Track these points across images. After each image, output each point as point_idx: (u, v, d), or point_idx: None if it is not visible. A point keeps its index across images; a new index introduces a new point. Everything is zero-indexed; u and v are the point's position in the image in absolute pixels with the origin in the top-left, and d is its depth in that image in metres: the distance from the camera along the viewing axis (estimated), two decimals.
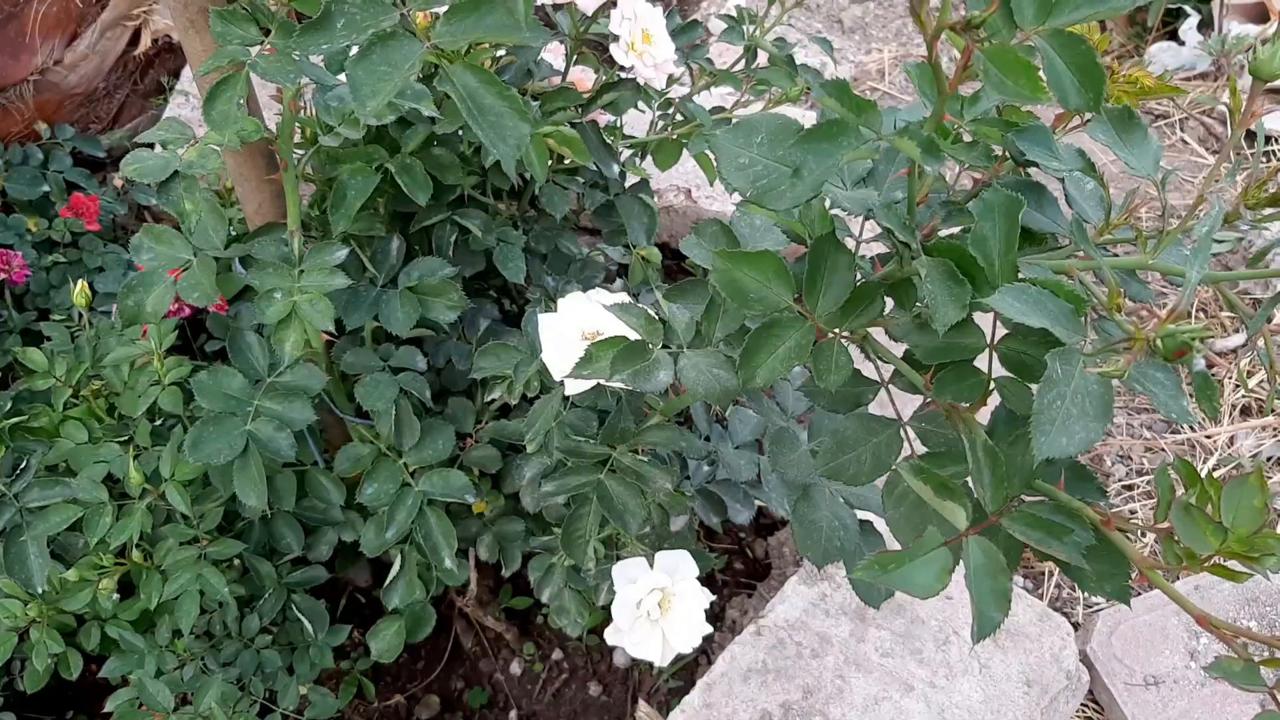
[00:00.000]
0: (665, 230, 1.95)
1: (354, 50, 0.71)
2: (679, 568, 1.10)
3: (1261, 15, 2.95)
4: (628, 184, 1.41)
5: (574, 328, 1.01)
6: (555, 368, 0.99)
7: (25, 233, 1.81)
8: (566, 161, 1.26)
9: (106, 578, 1.23)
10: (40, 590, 1.22)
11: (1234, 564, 0.60)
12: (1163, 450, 1.57)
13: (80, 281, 1.39)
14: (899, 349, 0.82)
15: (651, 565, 1.10)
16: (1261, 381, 1.59)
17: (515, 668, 1.68)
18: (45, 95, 1.92)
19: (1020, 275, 0.69)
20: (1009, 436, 0.73)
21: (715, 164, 0.76)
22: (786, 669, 1.26)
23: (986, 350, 0.73)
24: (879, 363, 0.84)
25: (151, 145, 1.03)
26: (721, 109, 1.44)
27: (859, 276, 0.81)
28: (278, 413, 1.14)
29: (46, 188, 1.88)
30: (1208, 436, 1.58)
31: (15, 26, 1.83)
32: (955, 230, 0.81)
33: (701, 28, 1.45)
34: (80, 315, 1.62)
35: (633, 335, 0.91)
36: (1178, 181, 2.23)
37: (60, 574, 1.24)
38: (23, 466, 1.27)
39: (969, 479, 0.69)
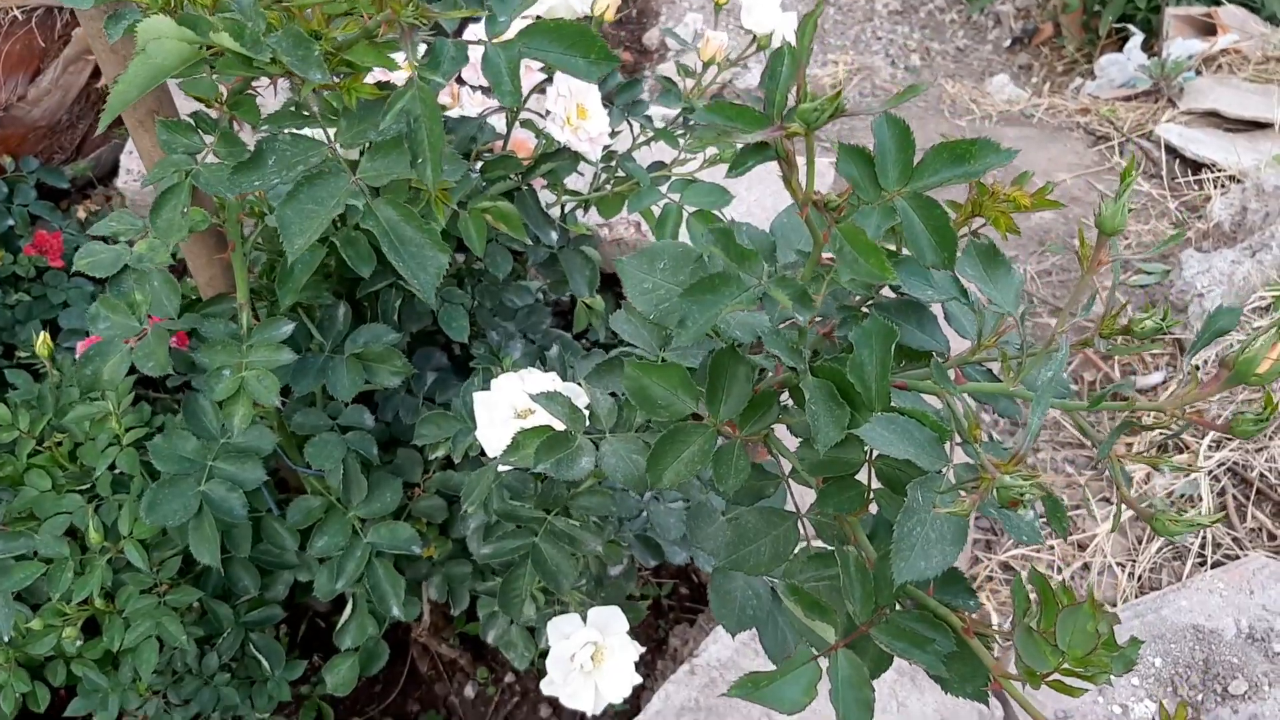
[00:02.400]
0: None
1: (283, 191, 0.77)
2: (611, 623, 1.18)
3: (1209, 28, 3.02)
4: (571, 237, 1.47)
5: (506, 405, 1.07)
6: (489, 444, 1.06)
7: None
8: None
9: (70, 626, 1.30)
10: (7, 638, 1.28)
11: (1072, 680, 0.68)
12: (1081, 485, 1.66)
13: (43, 334, 1.44)
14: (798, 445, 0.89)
15: (585, 621, 1.17)
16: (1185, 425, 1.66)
17: (469, 691, 1.75)
18: (9, 130, 1.96)
19: (893, 402, 0.75)
20: (886, 543, 0.80)
21: (623, 286, 0.82)
22: (717, 708, 1.34)
23: (866, 464, 0.80)
24: (780, 457, 0.91)
25: (105, 238, 1.08)
26: (662, 163, 1.50)
27: (767, 375, 0.88)
28: (230, 473, 1.20)
29: (11, 221, 1.92)
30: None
31: None
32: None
33: (642, 85, 1.51)
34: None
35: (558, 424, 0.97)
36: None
37: (26, 622, 1.30)
38: None
39: None
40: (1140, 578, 1.53)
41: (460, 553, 1.46)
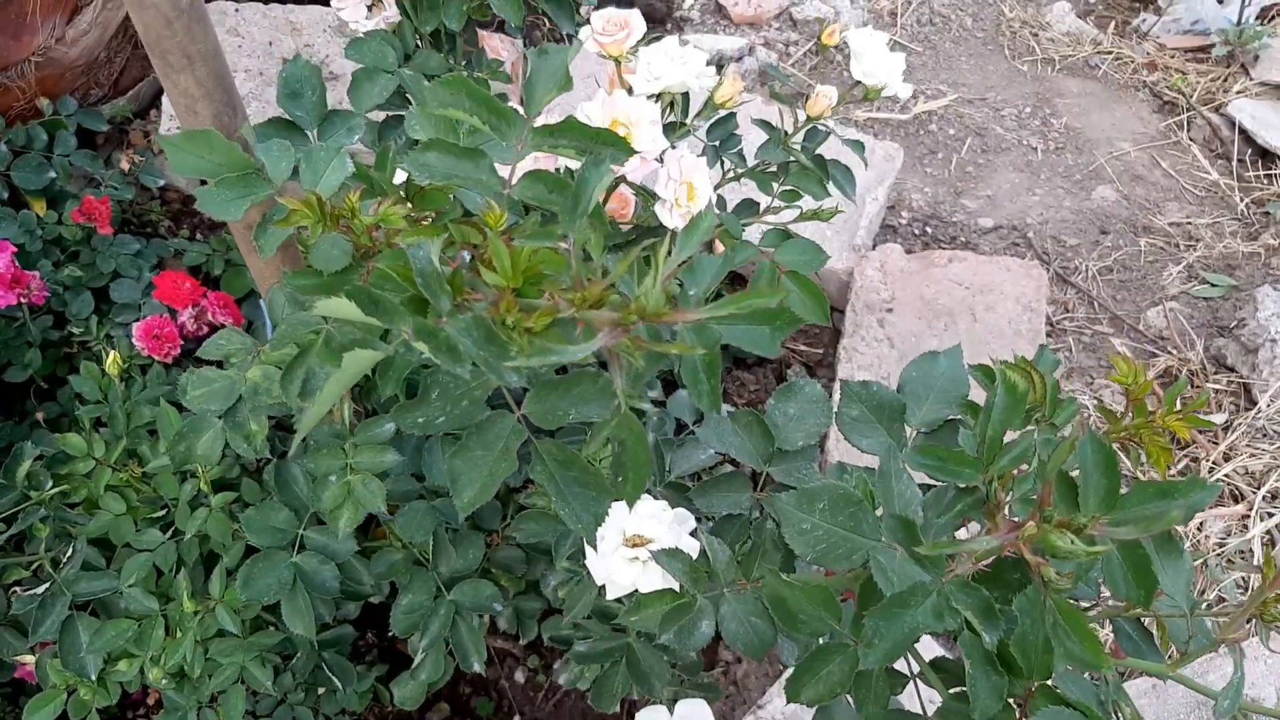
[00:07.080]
0: None
1: (453, 449, 0.75)
2: (694, 716, 1.21)
3: None
4: None
5: (616, 532, 1.07)
6: (597, 574, 1.06)
7: (36, 229, 1.79)
8: None
9: (157, 668, 1.32)
10: (93, 678, 1.31)
11: None
12: None
13: (112, 354, 1.42)
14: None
15: (671, 713, 1.20)
16: (1238, 466, 1.68)
17: (519, 676, 1.80)
18: (46, 71, 1.86)
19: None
20: None
21: (781, 526, 0.81)
22: None
23: None
24: (910, 659, 0.92)
25: (217, 363, 1.04)
26: (754, 204, 1.44)
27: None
28: (322, 544, 1.21)
29: (53, 173, 1.85)
30: None
31: (15, 8, 1.75)
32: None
33: (735, 119, 1.44)
34: (108, 341, 1.64)
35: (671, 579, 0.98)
36: (1178, 190, 2.24)
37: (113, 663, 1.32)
38: (70, 553, 1.33)
39: None
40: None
41: (532, 588, 1.48)
